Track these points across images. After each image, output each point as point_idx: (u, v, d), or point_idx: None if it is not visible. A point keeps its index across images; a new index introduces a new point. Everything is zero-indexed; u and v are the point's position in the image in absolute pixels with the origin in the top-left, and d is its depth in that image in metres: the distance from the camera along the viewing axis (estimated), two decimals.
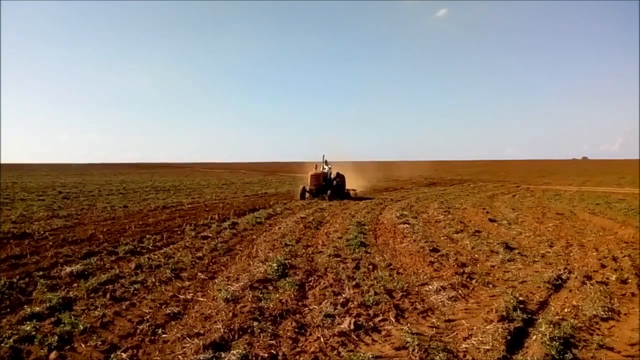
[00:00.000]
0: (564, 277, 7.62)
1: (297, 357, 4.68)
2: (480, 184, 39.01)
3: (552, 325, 5.31)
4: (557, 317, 5.75)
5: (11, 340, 4.81)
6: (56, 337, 4.92)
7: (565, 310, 6.07)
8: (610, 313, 5.90)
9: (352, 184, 26.00)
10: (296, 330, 5.32)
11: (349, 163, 32.78)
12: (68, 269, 7.70)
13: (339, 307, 6.07)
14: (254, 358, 4.56)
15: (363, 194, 25.87)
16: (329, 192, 22.58)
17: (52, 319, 5.49)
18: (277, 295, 6.52)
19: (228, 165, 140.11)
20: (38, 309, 5.76)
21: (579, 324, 5.51)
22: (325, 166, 24.52)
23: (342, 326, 5.38)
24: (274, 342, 4.99)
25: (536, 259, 9.03)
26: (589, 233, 12.04)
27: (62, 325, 5.29)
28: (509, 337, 5.00)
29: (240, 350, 4.60)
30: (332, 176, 24.02)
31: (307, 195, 23.01)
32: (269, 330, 5.25)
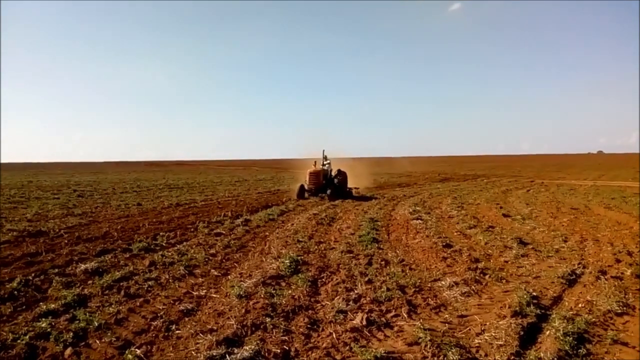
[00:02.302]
0: (578, 272, 7.56)
1: (310, 352, 4.70)
2: (494, 179, 38.71)
3: (565, 321, 5.27)
4: (571, 312, 5.71)
5: (27, 337, 4.89)
6: (71, 334, 4.99)
7: (580, 305, 6.02)
8: (625, 308, 5.84)
9: (355, 181, 24.64)
10: (308, 326, 5.35)
11: (351, 159, 31.02)
12: (83, 267, 7.81)
13: (351, 303, 6.07)
14: (266, 354, 4.59)
15: (368, 192, 25.04)
16: (329, 191, 20.82)
17: (67, 315, 5.58)
18: (290, 292, 6.55)
19: (241, 162, 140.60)
20: (53, 306, 5.85)
21: (593, 319, 5.46)
22: (325, 162, 22.83)
23: (354, 322, 5.39)
24: (286, 338, 5.02)
25: (550, 254, 8.95)
26: (604, 228, 11.91)
27: (77, 322, 5.36)
28: (522, 333, 4.98)
29: (252, 346, 4.64)
30: (333, 174, 22.26)
31: (305, 194, 21.36)
32: (282, 326, 5.28)
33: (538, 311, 5.63)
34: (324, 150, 23.04)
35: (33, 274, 7.33)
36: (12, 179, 41.84)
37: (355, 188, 23.67)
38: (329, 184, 21.57)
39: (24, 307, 5.94)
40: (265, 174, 52.15)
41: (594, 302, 6.07)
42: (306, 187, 21.55)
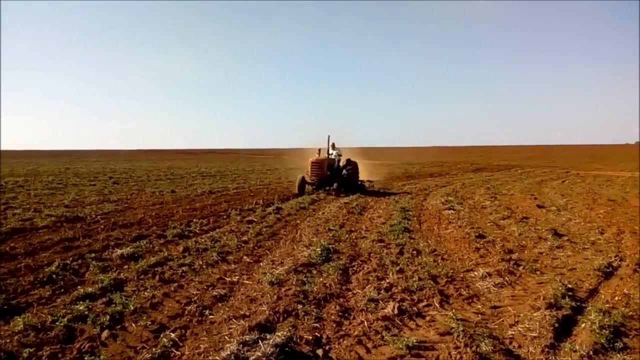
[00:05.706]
0: (615, 264, 7.39)
1: (341, 340, 4.72)
2: (528, 169, 37.94)
3: (602, 314, 5.17)
4: (608, 305, 5.59)
5: (65, 319, 5.02)
6: (108, 317, 5.11)
7: (616, 298, 5.89)
8: None
9: (372, 173, 22.88)
10: (340, 313, 5.38)
11: (366, 149, 27.59)
12: (119, 252, 7.98)
13: (382, 291, 6.08)
14: (298, 340, 4.64)
15: (400, 183, 24.55)
16: (335, 184, 17.56)
17: (104, 299, 5.71)
18: (321, 279, 6.59)
19: (272, 151, 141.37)
20: (90, 289, 6.00)
21: (631, 313, 5.34)
22: (332, 151, 19.19)
23: (385, 311, 5.40)
24: (318, 325, 5.06)
25: (586, 246, 8.77)
26: None
27: (114, 305, 5.50)
28: (556, 325, 4.91)
29: (284, 332, 4.68)
30: (342, 164, 18.88)
31: (307, 188, 18.47)
32: (313, 314, 5.33)
33: (573, 303, 5.54)
34: (329, 137, 19.16)
35: (71, 258, 7.52)
36: (50, 165, 43.15)
37: (369, 181, 21.68)
38: (335, 176, 18.37)
39: (62, 290, 6.11)
40: (295, 163, 52.31)
41: (631, 295, 5.93)
42: (308, 179, 18.49)
